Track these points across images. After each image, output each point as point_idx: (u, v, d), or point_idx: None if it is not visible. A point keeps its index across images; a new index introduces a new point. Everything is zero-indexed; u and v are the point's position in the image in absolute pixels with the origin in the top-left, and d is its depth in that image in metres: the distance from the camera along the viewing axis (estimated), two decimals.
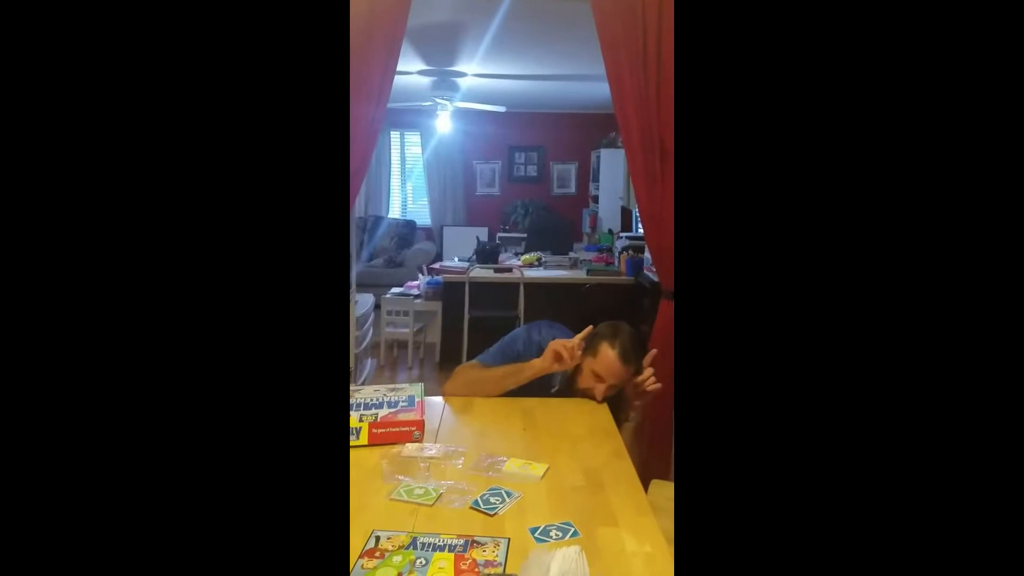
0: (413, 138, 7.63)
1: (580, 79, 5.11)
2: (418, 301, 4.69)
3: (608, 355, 1.71)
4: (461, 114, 6.29)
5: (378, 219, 7.41)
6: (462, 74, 4.95)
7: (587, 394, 1.77)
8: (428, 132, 7.24)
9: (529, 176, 7.70)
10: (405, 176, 7.83)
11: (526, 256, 5.11)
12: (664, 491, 1.86)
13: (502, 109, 5.65)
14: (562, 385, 1.84)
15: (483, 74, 4.95)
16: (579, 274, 4.70)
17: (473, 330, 4.36)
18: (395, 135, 7.60)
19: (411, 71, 4.81)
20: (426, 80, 5.12)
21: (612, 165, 6.55)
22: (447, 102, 5.35)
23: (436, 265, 5.07)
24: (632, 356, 1.73)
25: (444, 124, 5.84)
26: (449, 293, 4.58)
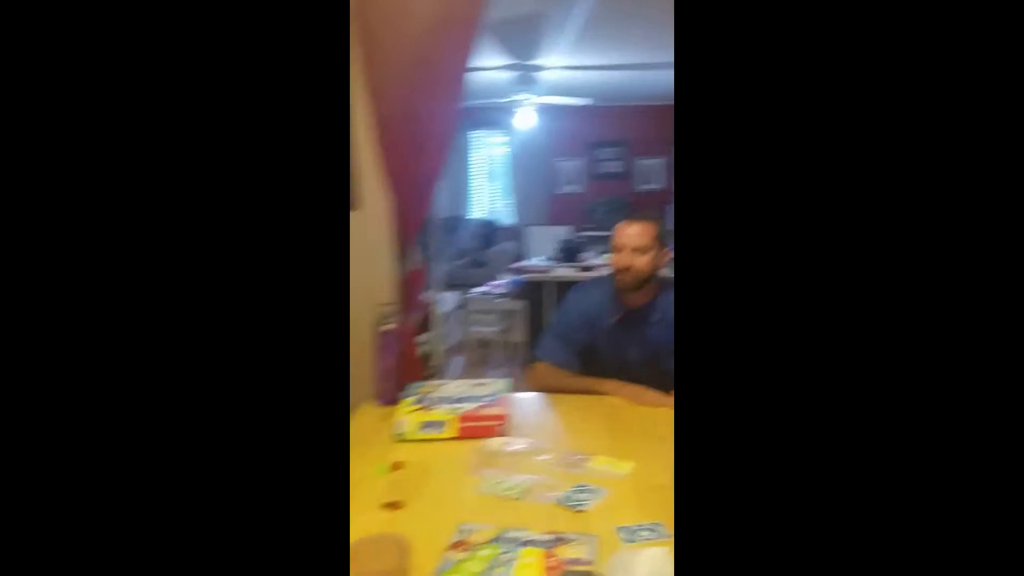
0: (494, 137, 7.70)
1: (663, 67, 5.02)
2: (502, 300, 4.73)
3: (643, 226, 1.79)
4: (543, 110, 6.29)
5: (460, 219, 7.52)
6: (544, 67, 4.95)
7: (623, 278, 1.79)
8: (509, 130, 7.29)
9: (613, 173, 7.62)
10: (487, 175, 7.91)
11: (609, 255, 5.06)
12: None
13: (587, 102, 5.61)
14: (620, 313, 1.85)
15: (567, 66, 4.94)
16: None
17: None
18: (477, 134, 7.69)
19: (491, 67, 4.85)
20: (507, 75, 5.15)
21: None
22: (529, 96, 5.37)
23: (519, 265, 5.09)
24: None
25: (526, 120, 5.86)
26: (533, 292, 4.59)
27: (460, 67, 1.89)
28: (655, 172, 7.54)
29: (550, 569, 0.98)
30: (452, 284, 5.66)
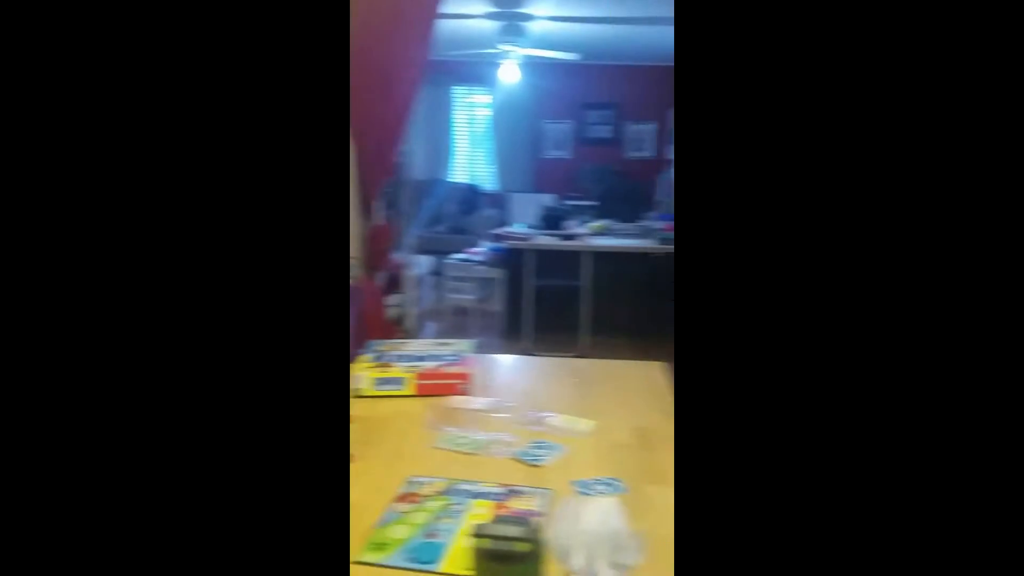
0: (478, 95, 7.65)
1: (660, 22, 5.01)
2: (481, 268, 4.75)
3: None
4: (530, 66, 6.25)
5: (440, 183, 7.49)
6: (532, 17, 4.92)
7: None
8: (494, 88, 7.24)
9: (602, 138, 7.61)
10: (470, 137, 7.86)
11: (594, 224, 5.09)
12: None
13: (575, 57, 5.58)
14: None
15: (555, 17, 4.91)
16: (648, 243, 4.64)
17: (538, 300, 4.40)
18: (459, 91, 7.63)
19: (475, 14, 4.82)
20: (492, 25, 5.11)
21: None
22: (514, 49, 5.34)
23: (500, 231, 5.11)
24: None
25: (511, 75, 5.83)
26: (512, 260, 4.62)
27: (430, 11, 1.89)
28: (647, 138, 7.54)
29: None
30: (429, 248, 5.67)
